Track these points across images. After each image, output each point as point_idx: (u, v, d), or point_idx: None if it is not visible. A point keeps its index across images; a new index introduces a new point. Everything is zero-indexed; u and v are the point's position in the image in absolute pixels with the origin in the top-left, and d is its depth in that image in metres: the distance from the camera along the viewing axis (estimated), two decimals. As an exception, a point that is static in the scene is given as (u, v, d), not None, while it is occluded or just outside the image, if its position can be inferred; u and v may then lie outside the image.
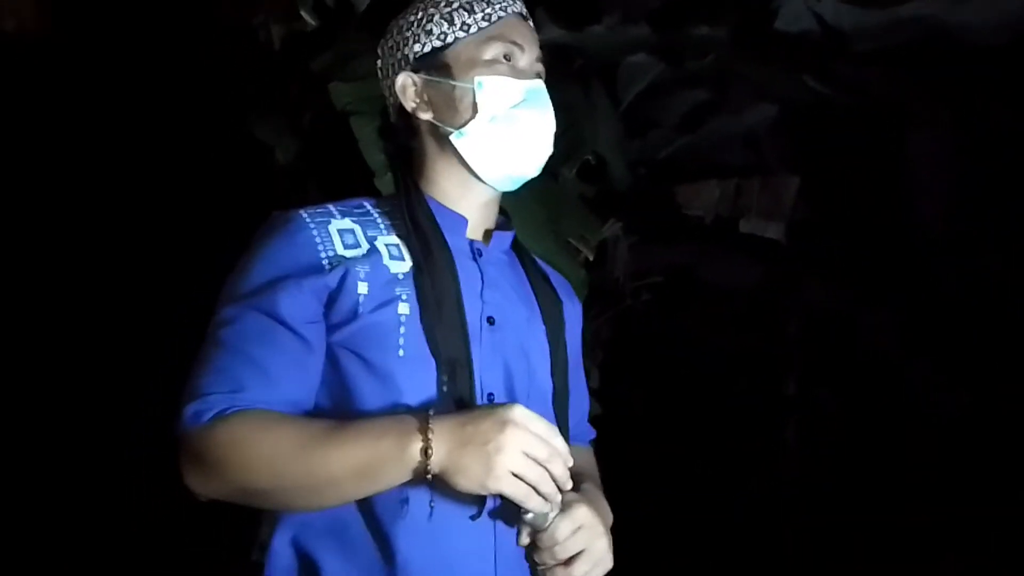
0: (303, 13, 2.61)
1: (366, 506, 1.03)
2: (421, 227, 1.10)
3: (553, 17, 2.71)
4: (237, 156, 2.98)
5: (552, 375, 1.16)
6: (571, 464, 0.99)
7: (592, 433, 1.34)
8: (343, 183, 2.72)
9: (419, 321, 1.04)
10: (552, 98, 1.19)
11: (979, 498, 3.37)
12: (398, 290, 1.06)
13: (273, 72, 2.79)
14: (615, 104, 3.05)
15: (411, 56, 1.15)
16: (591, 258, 2.43)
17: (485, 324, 1.10)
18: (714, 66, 2.92)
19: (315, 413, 1.06)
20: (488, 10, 1.13)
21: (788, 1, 2.76)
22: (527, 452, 0.94)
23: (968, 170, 3.20)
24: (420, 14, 1.15)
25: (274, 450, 0.98)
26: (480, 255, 1.15)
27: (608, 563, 1.04)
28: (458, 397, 1.03)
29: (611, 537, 1.06)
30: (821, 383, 3.94)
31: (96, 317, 3.33)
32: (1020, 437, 3.30)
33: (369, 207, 1.15)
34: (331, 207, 1.12)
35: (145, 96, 3.11)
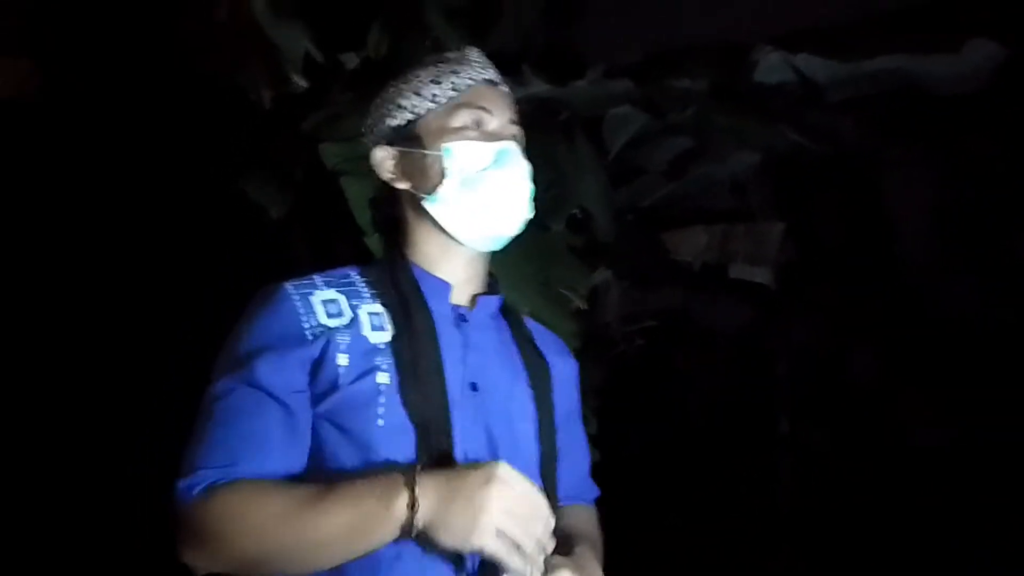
0: (292, 75, 2.67)
1: (341, 569, 1.03)
2: (403, 295, 1.13)
3: (538, 72, 2.78)
4: (230, 214, 3.03)
5: (539, 439, 1.16)
6: (553, 525, 0.99)
7: (595, 491, 1.33)
8: (333, 239, 2.77)
9: (399, 390, 1.06)
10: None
11: (966, 528, 3.39)
12: (378, 360, 1.08)
13: (264, 132, 2.84)
14: (602, 155, 3.12)
15: (386, 130, 1.20)
16: (583, 307, 2.46)
17: (467, 390, 1.11)
18: (695, 117, 2.99)
19: (301, 482, 1.06)
20: (455, 80, 1.17)
21: (765, 55, 2.85)
22: (510, 510, 0.95)
23: (942, 209, 3.28)
24: (394, 90, 1.20)
25: (266, 516, 1.00)
26: (464, 320, 1.16)
27: None
28: (439, 464, 1.03)
29: None
30: (812, 421, 3.97)
31: (89, 377, 3.34)
32: (1005, 468, 3.33)
33: (354, 276, 1.18)
34: (316, 278, 1.15)
35: (137, 156, 3.15)
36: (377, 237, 2.11)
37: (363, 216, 2.08)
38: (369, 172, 2.08)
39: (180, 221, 3.18)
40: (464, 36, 2.61)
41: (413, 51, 2.53)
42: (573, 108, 2.87)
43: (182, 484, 1.03)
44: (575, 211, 2.63)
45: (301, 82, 2.72)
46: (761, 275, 3.32)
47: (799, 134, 2.97)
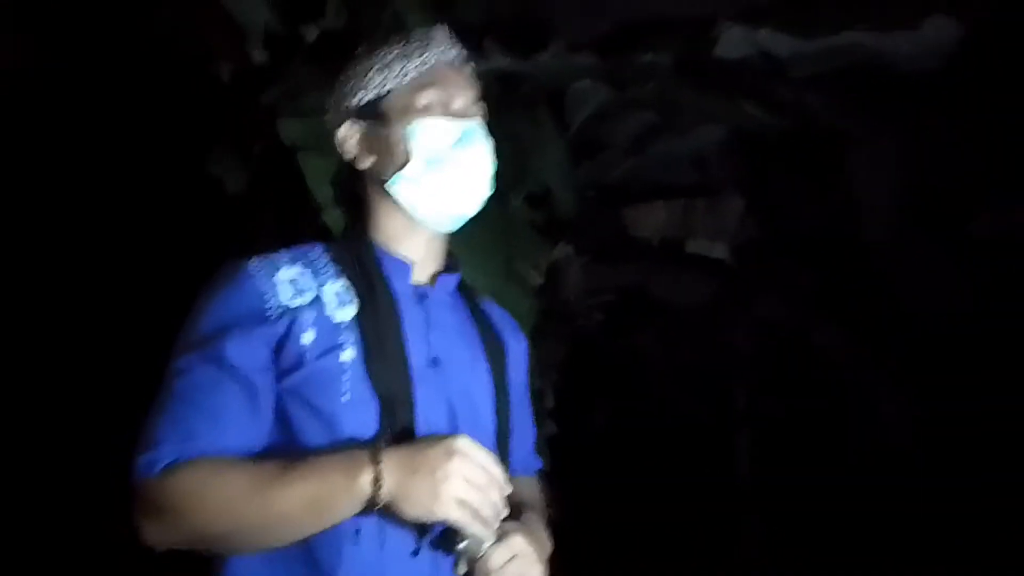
0: (250, 50, 2.62)
1: (306, 545, 1.04)
2: (366, 273, 1.14)
3: (500, 45, 2.76)
4: (190, 188, 2.98)
5: (496, 412, 1.19)
6: (509, 491, 1.03)
7: (539, 463, 1.37)
8: (293, 214, 2.74)
9: (362, 367, 1.08)
10: (498, 127, 1.22)
11: (924, 503, 3.47)
12: (342, 337, 1.09)
13: (223, 105, 2.79)
14: (563, 129, 3.11)
15: (350, 107, 1.19)
16: (541, 282, 2.46)
17: (429, 365, 1.13)
18: (658, 92, 2.99)
19: (264, 457, 1.07)
20: (421, 59, 1.17)
21: (727, 29, 2.85)
22: (470, 479, 0.99)
23: (902, 186, 3.32)
24: (359, 67, 1.19)
25: (227, 493, 1.01)
26: (425, 298, 1.18)
27: None
28: (401, 438, 1.06)
29: (547, 566, 1.10)
30: (770, 396, 4.03)
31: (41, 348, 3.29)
32: (963, 446, 3.41)
33: (320, 252, 1.18)
34: (281, 254, 1.16)
35: (96, 129, 3.09)
36: (336, 213, 2.10)
37: (321, 192, 2.07)
38: (329, 149, 2.05)
39: (141, 194, 3.13)
40: (427, 8, 2.58)
41: (372, 22, 2.49)
42: (535, 82, 2.85)
43: (141, 460, 1.04)
44: (535, 187, 2.63)
45: (261, 55, 2.66)
46: (719, 250, 3.35)
47: (760, 109, 2.98)
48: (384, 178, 1.17)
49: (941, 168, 3.33)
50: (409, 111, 1.15)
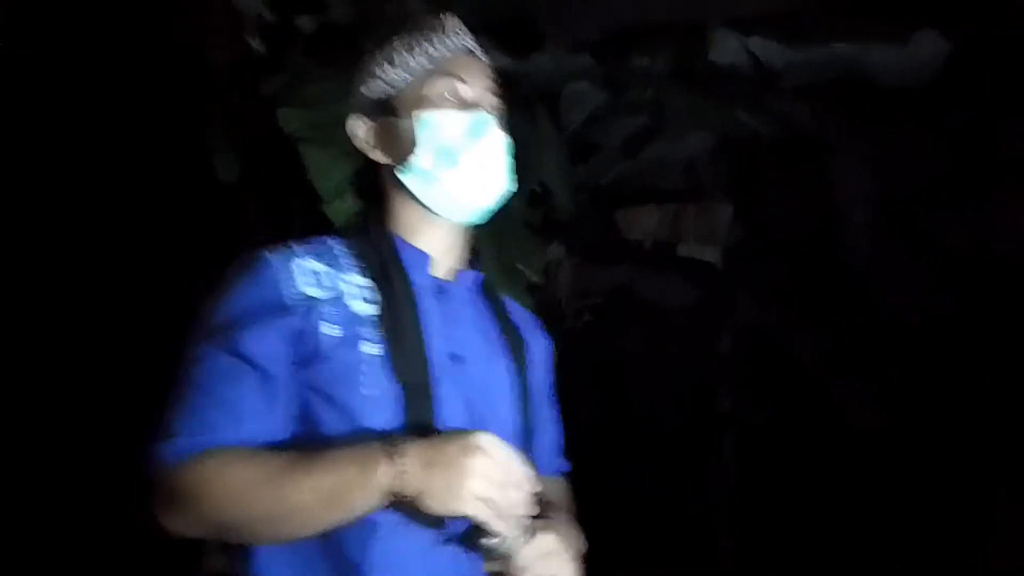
0: (248, 38, 2.62)
1: (331, 538, 1.03)
2: (384, 266, 1.11)
3: (498, 44, 2.77)
4: (181, 174, 2.97)
5: (515, 411, 1.17)
6: (536, 489, 1.00)
7: (566, 466, 1.33)
8: (284, 205, 2.75)
9: (382, 359, 1.06)
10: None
11: (903, 506, 3.52)
12: (361, 329, 1.07)
13: (218, 94, 2.79)
14: (558, 131, 3.13)
15: (362, 100, 1.18)
16: (535, 280, 2.48)
17: (448, 360, 1.11)
18: (653, 96, 3.02)
19: (282, 448, 1.06)
20: (431, 49, 1.14)
21: (722, 37, 2.88)
22: (491, 477, 0.96)
23: (890, 194, 3.37)
24: (370, 59, 1.18)
25: (243, 483, 0.99)
26: (443, 292, 1.15)
27: None
28: (420, 432, 1.03)
29: (580, 564, 1.07)
30: (754, 399, 4.06)
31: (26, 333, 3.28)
32: (937, 451, 3.45)
33: (333, 245, 1.16)
34: (295, 246, 1.13)
35: (89, 117, 3.08)
36: (338, 206, 2.10)
37: (323, 183, 2.06)
38: (331, 139, 2.04)
39: (132, 182, 3.12)
40: (425, 5, 2.59)
41: (378, 16, 2.50)
42: (532, 82, 2.87)
43: (158, 449, 1.03)
44: (535, 187, 2.64)
45: (258, 45, 2.66)
46: (710, 254, 3.38)
47: (751, 117, 3.02)
48: (397, 170, 1.14)
49: (920, 178, 3.39)
50: (419, 102, 1.13)
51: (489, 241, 2.29)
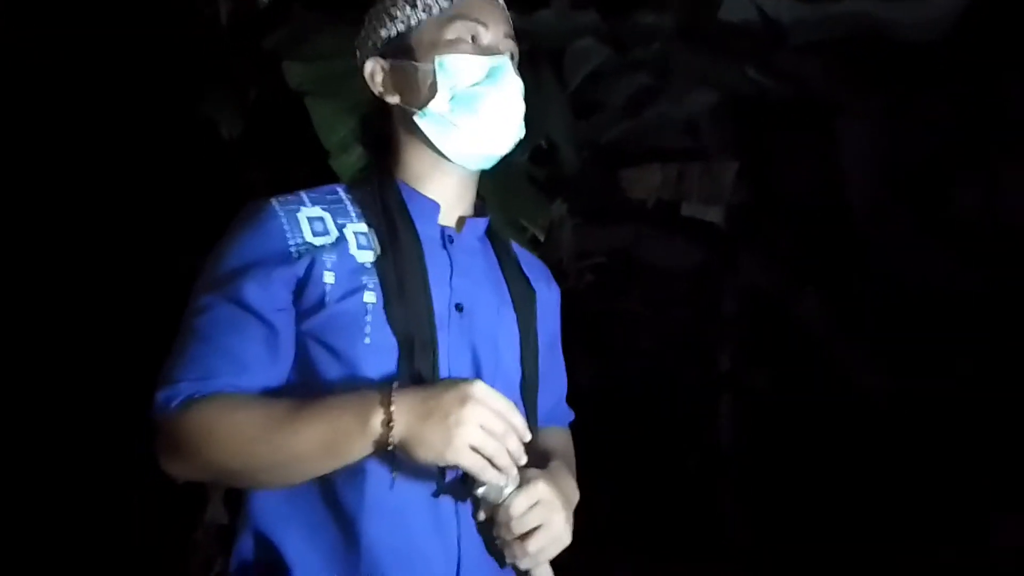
0: (253, -8, 2.58)
1: (329, 487, 1.05)
2: (390, 215, 1.11)
3: None
4: (183, 131, 2.95)
5: (521, 361, 1.16)
6: (527, 439, 1.01)
7: (571, 415, 1.34)
8: (288, 160, 2.73)
9: (386, 309, 1.05)
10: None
11: (902, 470, 3.54)
12: (364, 279, 1.07)
13: (220, 48, 2.76)
14: (561, 88, 3.09)
15: (378, 42, 1.16)
16: (541, 239, 2.47)
17: (453, 311, 1.11)
18: (659, 53, 2.98)
19: (282, 396, 1.06)
20: None
21: (731, -7, 2.84)
22: (485, 426, 0.96)
23: (897, 157, 3.34)
24: (388, 1, 1.16)
25: (242, 430, 1.00)
26: (451, 242, 1.15)
27: (566, 539, 1.05)
28: (422, 382, 1.04)
29: (571, 514, 1.08)
30: (754, 360, 4.08)
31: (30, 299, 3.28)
32: (940, 419, 3.47)
33: (341, 193, 1.15)
34: (302, 194, 1.13)
35: (89, 73, 3.05)
36: (344, 159, 2.09)
37: (329, 137, 2.05)
38: (337, 92, 2.02)
39: (135, 139, 3.10)
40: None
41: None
42: (537, 38, 2.84)
43: (161, 395, 1.04)
44: (540, 142, 2.63)
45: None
46: (713, 214, 3.36)
47: (761, 75, 2.98)
48: (411, 114, 1.13)
49: (931, 141, 3.36)
50: (437, 45, 1.12)
51: (493, 196, 2.28)
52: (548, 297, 1.28)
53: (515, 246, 1.28)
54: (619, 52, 3.07)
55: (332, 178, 2.22)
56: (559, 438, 1.28)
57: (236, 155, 2.82)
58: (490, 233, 1.23)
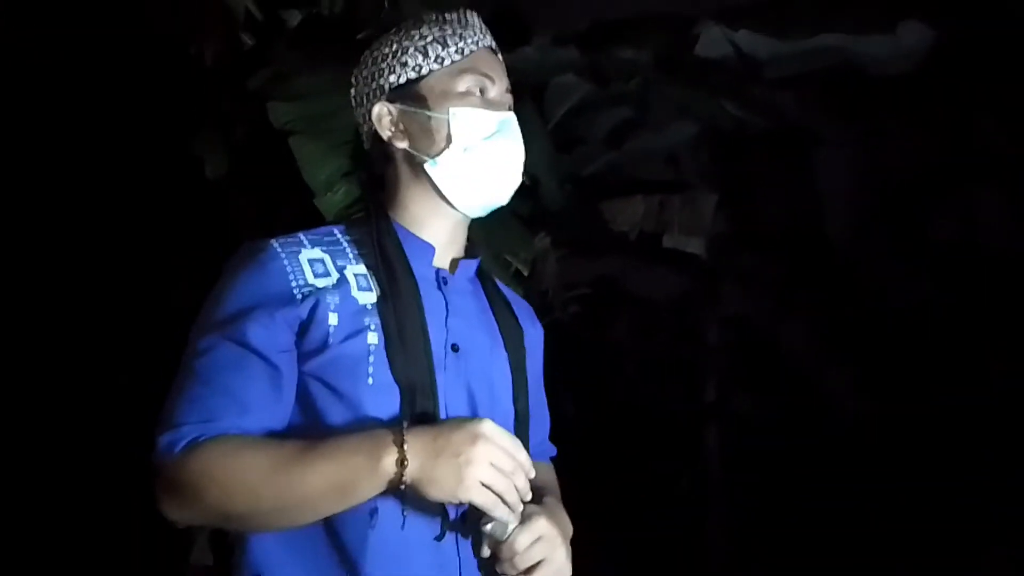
0: (241, 34, 2.62)
1: (330, 528, 1.05)
2: (388, 256, 1.13)
3: (484, 37, 2.78)
4: (167, 170, 2.97)
5: (514, 400, 1.20)
6: (532, 476, 1.03)
7: (553, 451, 1.38)
8: (274, 200, 2.75)
9: (386, 350, 1.08)
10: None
11: (884, 496, 3.56)
12: (366, 320, 1.09)
13: (205, 88, 2.79)
14: (543, 122, 3.14)
15: (386, 86, 1.18)
16: (525, 273, 2.49)
17: (449, 351, 1.14)
18: (638, 88, 3.04)
19: (285, 439, 1.07)
20: (461, 44, 1.17)
21: (707, 29, 2.91)
22: (494, 464, 0.99)
23: (874, 184, 3.41)
24: (396, 46, 1.18)
25: (248, 473, 1.01)
26: (445, 283, 1.18)
27: (567, 572, 1.09)
28: (423, 421, 1.06)
29: (570, 548, 1.11)
30: (739, 389, 4.10)
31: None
32: (923, 440, 3.50)
33: (339, 235, 1.18)
34: (301, 236, 1.15)
35: (77, 111, 3.07)
36: (329, 198, 2.12)
37: (315, 176, 2.07)
38: (321, 132, 2.05)
39: (121, 177, 3.11)
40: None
41: (369, 11, 2.51)
42: (519, 74, 2.88)
43: (163, 439, 1.04)
44: (524, 179, 2.66)
45: (249, 40, 2.66)
46: (695, 245, 3.41)
47: (738, 108, 3.04)
48: (420, 161, 1.16)
49: (905, 169, 3.43)
50: (449, 96, 1.15)
51: (478, 231, 2.31)
52: (534, 336, 1.31)
53: (501, 285, 1.32)
54: (599, 87, 3.12)
55: (317, 215, 2.25)
56: (547, 473, 1.31)
57: (222, 191, 2.84)
58: (479, 273, 1.26)
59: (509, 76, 1.23)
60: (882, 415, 3.56)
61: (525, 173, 2.72)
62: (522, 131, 1.21)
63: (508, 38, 2.87)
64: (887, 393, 3.55)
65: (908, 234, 3.48)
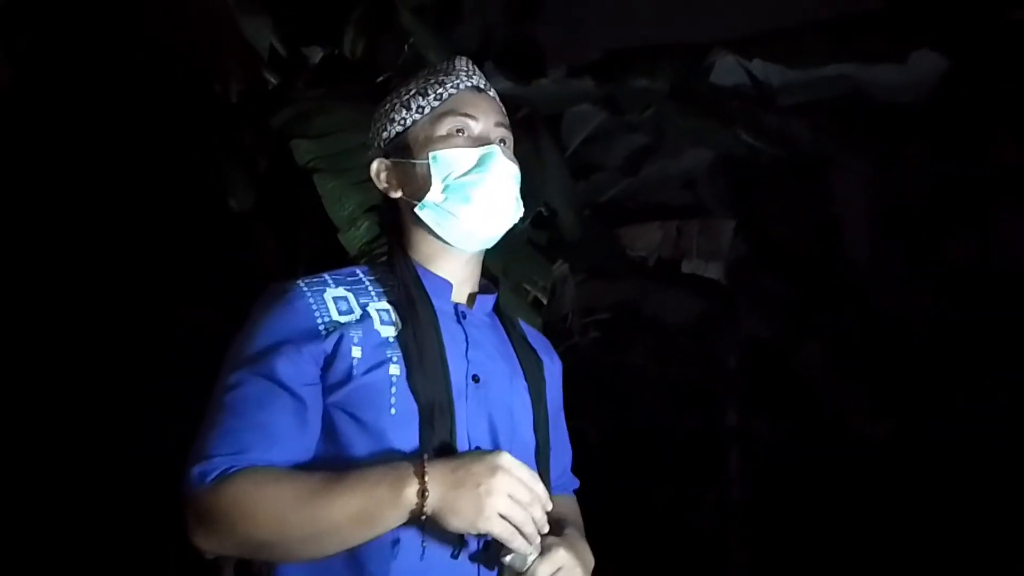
0: (265, 73, 2.69)
1: (354, 559, 1.09)
2: (409, 292, 1.18)
3: (502, 70, 2.85)
4: (195, 208, 3.04)
5: (535, 429, 1.23)
6: (550, 508, 1.06)
7: (575, 483, 1.40)
8: (298, 236, 2.81)
9: (408, 381, 1.12)
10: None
11: (905, 516, 3.55)
12: (389, 352, 1.13)
13: (229, 126, 2.86)
14: (560, 151, 3.19)
15: (381, 142, 1.26)
16: (544, 301, 2.52)
17: (470, 382, 1.17)
18: (653, 116, 3.08)
19: (311, 469, 1.11)
20: (440, 90, 1.23)
21: (721, 58, 2.95)
22: (513, 495, 1.02)
23: (885, 210, 3.43)
24: (388, 104, 1.27)
25: (277, 503, 1.04)
26: (464, 317, 1.23)
27: None
28: (443, 452, 1.10)
29: None
30: (760, 412, 4.10)
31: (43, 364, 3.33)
32: (941, 460, 3.49)
33: (361, 275, 1.23)
34: (326, 276, 1.21)
35: (103, 148, 3.15)
36: (352, 233, 2.17)
37: (337, 212, 2.11)
38: (342, 168, 2.12)
39: (145, 213, 3.19)
40: (428, 33, 2.67)
41: (389, 51, 2.57)
42: (536, 105, 2.94)
43: (195, 471, 1.08)
44: (540, 209, 2.70)
45: (273, 79, 2.73)
46: (713, 270, 3.43)
47: (751, 136, 3.07)
48: (412, 206, 1.22)
49: (918, 193, 3.45)
50: (431, 141, 1.21)
51: (496, 262, 2.35)
52: (552, 369, 1.35)
53: (521, 322, 1.35)
54: (615, 115, 3.17)
55: (340, 249, 2.30)
56: (569, 505, 1.35)
57: (246, 225, 2.90)
58: (496, 308, 1.31)
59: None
60: (901, 436, 3.55)
61: (541, 204, 2.76)
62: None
63: (524, 71, 2.95)
64: (906, 414, 3.54)
65: (922, 257, 3.50)
